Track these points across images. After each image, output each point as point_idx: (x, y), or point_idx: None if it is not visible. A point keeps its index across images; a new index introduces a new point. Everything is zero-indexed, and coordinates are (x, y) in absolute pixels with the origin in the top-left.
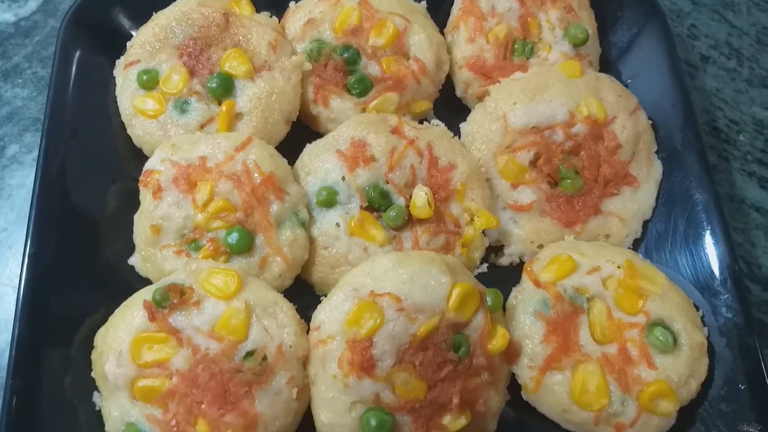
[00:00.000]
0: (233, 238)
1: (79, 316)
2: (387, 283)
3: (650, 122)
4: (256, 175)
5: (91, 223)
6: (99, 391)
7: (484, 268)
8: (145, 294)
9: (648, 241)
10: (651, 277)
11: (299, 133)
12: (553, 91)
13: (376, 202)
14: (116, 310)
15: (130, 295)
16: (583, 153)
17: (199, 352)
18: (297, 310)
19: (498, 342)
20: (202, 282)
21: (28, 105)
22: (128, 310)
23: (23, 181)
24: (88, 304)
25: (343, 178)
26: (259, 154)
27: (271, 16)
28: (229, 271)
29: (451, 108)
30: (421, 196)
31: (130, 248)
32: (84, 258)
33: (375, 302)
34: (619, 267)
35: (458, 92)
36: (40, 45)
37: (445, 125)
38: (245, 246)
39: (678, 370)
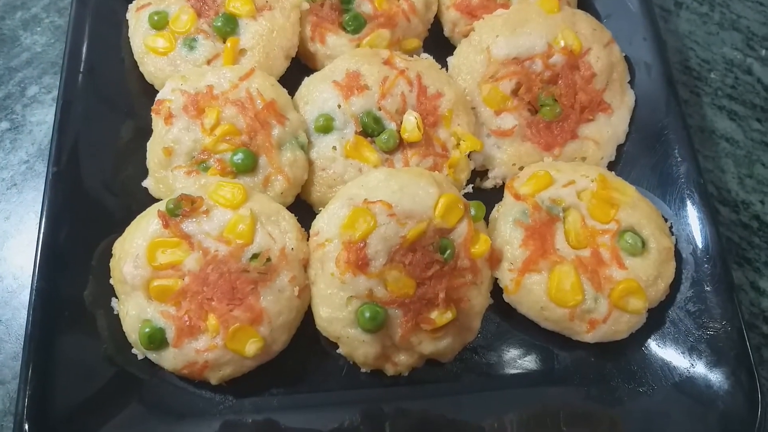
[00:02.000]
0: (239, 158)
1: (97, 235)
2: (379, 192)
3: (624, 54)
4: (259, 101)
5: (106, 153)
6: (117, 297)
7: (470, 189)
8: (159, 205)
9: (622, 164)
10: (622, 189)
11: (298, 71)
12: (533, 24)
13: (370, 127)
14: (133, 221)
15: (143, 208)
16: (560, 82)
17: (209, 254)
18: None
19: (480, 246)
20: (211, 194)
21: (46, 51)
22: (144, 219)
23: (43, 118)
24: (105, 222)
25: (339, 106)
26: (261, 83)
27: None
28: (235, 184)
29: (439, 46)
30: (410, 121)
31: (144, 173)
32: (101, 180)
33: (368, 209)
34: (592, 180)
35: (446, 32)
36: None
37: (435, 60)
38: (250, 165)
39: (646, 270)
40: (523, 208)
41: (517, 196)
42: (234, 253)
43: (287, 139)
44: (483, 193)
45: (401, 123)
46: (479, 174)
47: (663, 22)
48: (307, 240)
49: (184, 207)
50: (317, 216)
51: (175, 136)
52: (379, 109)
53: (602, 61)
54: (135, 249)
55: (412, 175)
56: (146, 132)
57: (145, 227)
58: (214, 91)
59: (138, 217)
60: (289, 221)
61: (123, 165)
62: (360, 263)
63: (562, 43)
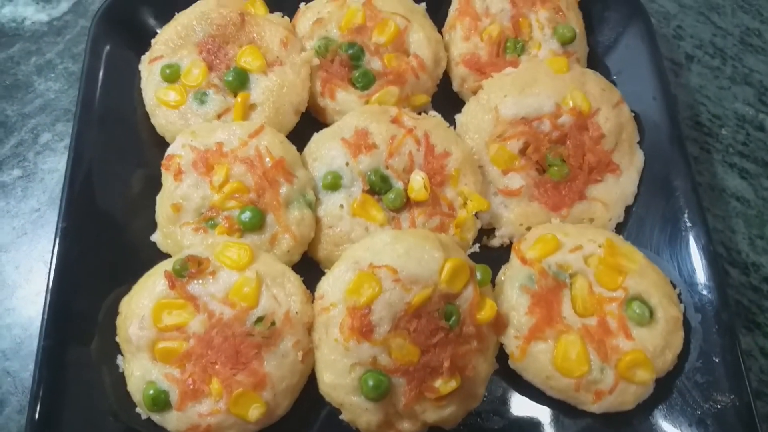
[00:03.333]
0: (246, 216)
1: (105, 288)
2: (385, 256)
3: (633, 114)
4: (268, 159)
5: (116, 204)
6: (122, 355)
7: (476, 248)
8: (165, 265)
9: (630, 226)
10: (630, 255)
11: (307, 124)
12: (541, 85)
13: (377, 186)
14: (139, 280)
15: (151, 264)
16: (568, 142)
17: (214, 317)
18: (303, 283)
19: (486, 312)
20: (217, 254)
21: (59, 97)
22: (150, 278)
23: (55, 166)
24: (114, 276)
25: (347, 164)
26: (270, 141)
27: (283, 16)
28: (242, 245)
29: (448, 101)
30: (418, 180)
31: (152, 227)
32: (110, 235)
33: (374, 273)
34: (600, 246)
35: (455, 87)
36: (71, 42)
37: (443, 117)
38: (257, 224)
39: (654, 341)
40: (530, 274)
41: (524, 261)
42: (239, 317)
43: (295, 197)
44: (490, 251)
45: (408, 182)
46: (486, 232)
47: (674, 76)
48: (312, 302)
49: (191, 268)
50: (323, 278)
51: (184, 192)
52: (387, 167)
53: (611, 122)
54: (141, 309)
55: (418, 238)
56: (156, 182)
57: (151, 287)
58: (224, 148)
59: (145, 275)
60: (294, 283)
61: (132, 218)
62: (364, 330)
63: (571, 104)
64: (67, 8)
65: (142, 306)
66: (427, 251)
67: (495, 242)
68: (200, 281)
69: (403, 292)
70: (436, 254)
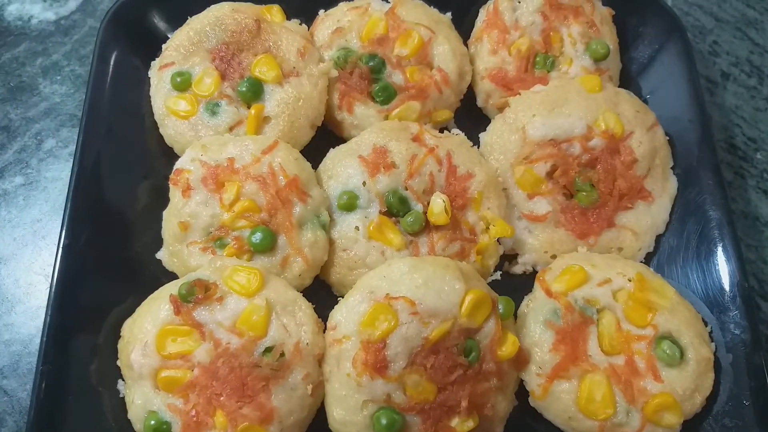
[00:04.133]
0: (257, 237)
1: (107, 307)
2: (402, 286)
3: (667, 138)
4: (281, 177)
5: (122, 218)
6: (123, 380)
7: (498, 275)
8: (171, 288)
9: (660, 255)
10: (661, 291)
11: (324, 138)
12: (572, 104)
13: (395, 208)
14: (143, 303)
15: (157, 288)
16: (599, 166)
17: (221, 346)
18: (315, 308)
19: (508, 348)
20: (225, 279)
21: (65, 101)
22: (155, 302)
23: (59, 174)
24: (117, 295)
25: (364, 183)
26: (284, 158)
27: (300, 24)
28: (251, 269)
29: (471, 117)
30: (438, 203)
31: (158, 243)
32: (114, 251)
33: (390, 305)
34: (629, 280)
35: (479, 102)
36: (79, 44)
37: (465, 134)
38: (268, 246)
39: (683, 383)
40: (555, 308)
41: (549, 293)
42: (246, 347)
43: (308, 218)
44: (512, 278)
45: (428, 204)
46: (508, 258)
47: (708, 95)
48: (324, 331)
49: (198, 293)
50: (336, 307)
51: (192, 210)
52: (406, 188)
53: (645, 146)
54: (144, 335)
55: (438, 268)
56: (164, 193)
57: (155, 312)
58: (235, 164)
59: (149, 298)
60: (305, 312)
61: (138, 233)
62: (378, 366)
63: (603, 126)
64: (75, 7)
65: (146, 331)
66: (448, 282)
67: (517, 269)
68: (207, 307)
69: (421, 326)
70: (456, 285)
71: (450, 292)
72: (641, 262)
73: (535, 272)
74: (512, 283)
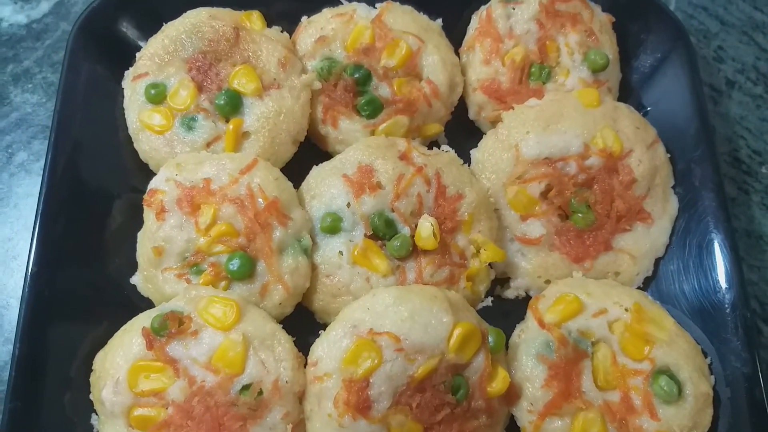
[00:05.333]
0: (234, 264)
1: (80, 334)
2: (387, 320)
3: (668, 156)
4: (260, 199)
5: (95, 238)
6: (97, 414)
7: (489, 301)
8: (143, 320)
9: (659, 280)
10: (659, 321)
11: (307, 151)
12: (569, 121)
13: (381, 231)
14: (115, 334)
15: (132, 313)
16: (596, 186)
17: (195, 383)
18: (297, 336)
19: (498, 385)
20: (201, 311)
21: (37, 111)
22: (127, 335)
23: (30, 189)
24: (90, 321)
25: (348, 205)
26: (263, 178)
27: (282, 32)
28: (228, 300)
29: (462, 129)
30: (426, 227)
31: (133, 265)
32: (87, 273)
33: (373, 341)
34: (626, 310)
35: (471, 114)
36: (51, 49)
37: (456, 148)
38: (246, 273)
39: (681, 421)
40: (548, 340)
41: (542, 324)
42: (222, 384)
43: (289, 243)
44: (503, 302)
45: (416, 227)
46: (500, 281)
47: (712, 104)
48: (305, 365)
49: (171, 327)
50: (317, 341)
51: (167, 234)
52: (393, 210)
53: (644, 165)
54: (116, 371)
55: (424, 299)
56: (140, 212)
57: (127, 346)
58: (212, 185)
59: (121, 330)
60: (284, 346)
61: (112, 254)
62: (361, 406)
63: (601, 144)
64: (47, 9)
65: (117, 366)
66: (435, 315)
67: (509, 294)
68: (181, 342)
69: (407, 363)
70: (444, 318)
71: (437, 325)
72: (639, 287)
73: (528, 297)
74: (504, 307)
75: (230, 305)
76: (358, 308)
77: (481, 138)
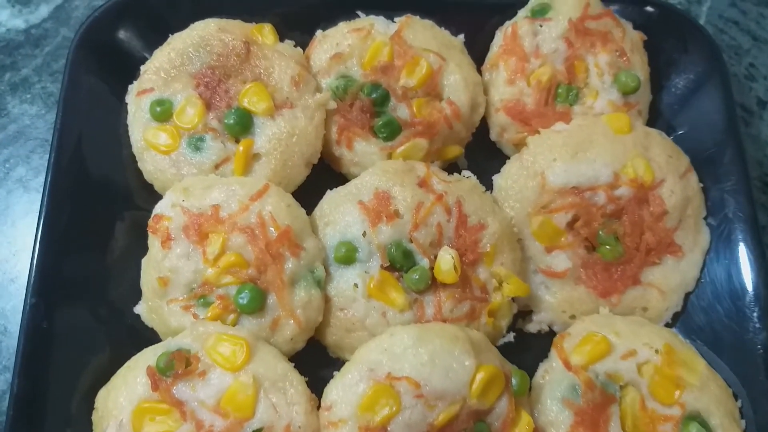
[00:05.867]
0: (244, 298)
1: (82, 364)
2: (405, 364)
3: (701, 185)
4: (272, 228)
5: (98, 263)
6: None
7: (511, 337)
8: (148, 357)
9: (688, 314)
10: (690, 364)
11: (320, 171)
12: (598, 148)
13: (398, 263)
14: (118, 371)
15: (136, 342)
16: (625, 218)
17: (203, 428)
18: (308, 368)
19: (521, 430)
20: (208, 349)
21: (36, 123)
22: (131, 373)
23: (30, 207)
24: (92, 351)
25: (364, 234)
26: (275, 205)
27: (295, 46)
28: (237, 338)
29: (482, 150)
30: (446, 260)
31: (137, 292)
32: (89, 302)
33: (392, 386)
34: (656, 351)
35: (493, 135)
36: (51, 56)
37: (476, 169)
38: (256, 307)
39: None
40: (574, 383)
41: (568, 365)
42: (232, 429)
43: (302, 275)
44: (525, 336)
45: (435, 258)
46: (521, 314)
47: (743, 125)
48: (318, 408)
49: (177, 367)
50: (331, 383)
51: (173, 264)
52: (411, 240)
53: (677, 196)
54: (119, 411)
55: (445, 340)
56: (144, 233)
57: (132, 385)
58: (221, 212)
59: (125, 367)
60: (297, 388)
61: (116, 280)
62: None
63: (632, 174)
64: (47, 14)
65: (121, 407)
66: (456, 358)
67: (532, 327)
68: (188, 383)
69: (426, 410)
70: (466, 362)
71: (459, 369)
72: (668, 323)
73: (551, 331)
74: (526, 341)
75: (239, 344)
76: (374, 349)
77: (502, 160)
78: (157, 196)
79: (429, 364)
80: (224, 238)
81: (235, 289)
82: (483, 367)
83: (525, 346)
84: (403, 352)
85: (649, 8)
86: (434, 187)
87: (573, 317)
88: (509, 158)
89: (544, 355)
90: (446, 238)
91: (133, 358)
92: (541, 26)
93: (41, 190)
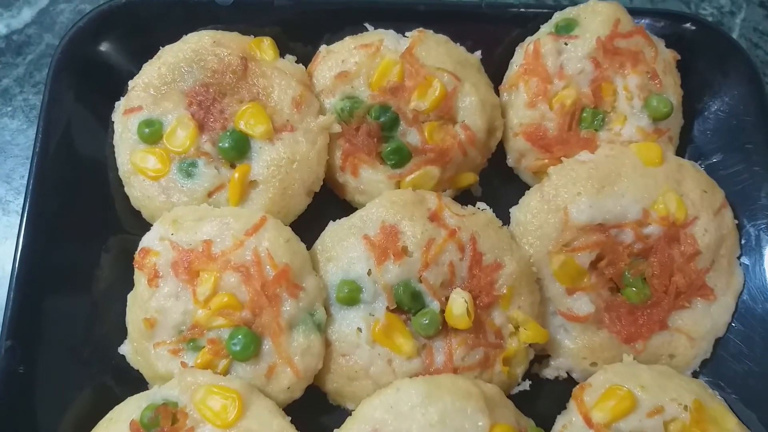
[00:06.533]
0: (237, 344)
1: (62, 408)
2: (413, 424)
3: (735, 221)
4: (269, 267)
5: (81, 296)
6: None
7: (526, 385)
8: (132, 409)
9: (716, 361)
10: (720, 421)
11: (323, 196)
12: (627, 182)
13: (406, 305)
14: (100, 422)
15: (121, 384)
16: (653, 258)
17: None
18: (307, 417)
19: None
20: (198, 403)
21: (16, 139)
22: (113, 426)
23: (9, 231)
24: (73, 394)
25: (369, 273)
26: (272, 241)
27: (297, 62)
28: (229, 391)
29: (497, 175)
30: (459, 303)
31: (123, 329)
32: (71, 341)
33: None
34: (685, 408)
35: (510, 161)
36: (34, 66)
37: (491, 196)
38: (250, 354)
39: None
40: None
41: (589, 422)
42: None
43: (301, 318)
44: (541, 382)
45: (446, 300)
46: (537, 357)
47: None
48: None
49: (163, 425)
50: None
51: (160, 304)
52: (420, 281)
53: (711, 235)
54: None
55: (457, 397)
56: (130, 259)
57: None
58: (213, 248)
59: (107, 419)
60: None
61: (100, 317)
62: None
63: (663, 211)
64: (30, 18)
65: None
66: (469, 417)
67: (549, 373)
68: None
69: None
70: (480, 421)
71: (472, 430)
72: (696, 370)
73: (569, 378)
74: (541, 387)
75: (231, 397)
76: (379, 406)
77: (519, 186)
78: (145, 224)
79: (439, 425)
80: (216, 277)
81: (227, 333)
82: (498, 427)
83: (540, 393)
84: (410, 410)
85: (683, 24)
86: (446, 221)
87: (594, 364)
88: (526, 185)
89: (561, 403)
90: (459, 279)
91: (116, 409)
92: (566, 44)
93: (20, 213)
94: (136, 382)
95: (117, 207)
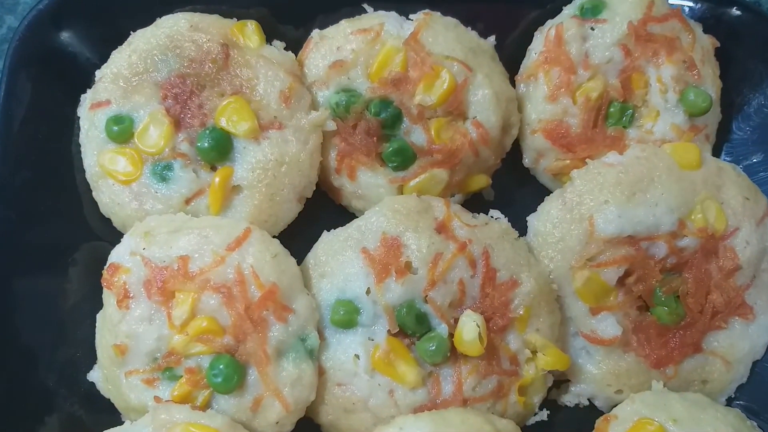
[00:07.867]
0: (218, 374)
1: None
2: None
3: None
4: (254, 287)
5: (46, 314)
6: None
7: (544, 415)
8: None
9: (753, 385)
10: None
11: (316, 199)
12: (660, 188)
13: (410, 328)
14: None
15: (91, 416)
16: (688, 274)
17: None
18: None
19: None
20: None
21: None
22: None
23: None
24: (40, 425)
25: (368, 291)
26: (258, 256)
27: (286, 49)
28: (209, 430)
29: (511, 174)
30: (470, 327)
31: (92, 353)
32: (35, 369)
33: None
34: None
35: (526, 161)
36: None
37: (503, 199)
38: (233, 386)
39: None
40: None
41: None
42: None
43: (290, 344)
44: (559, 409)
45: (455, 323)
46: (556, 382)
47: None
48: None
49: None
50: None
51: (131, 329)
52: (426, 301)
53: (752, 248)
54: None
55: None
56: (100, 270)
57: None
58: (190, 265)
59: None
60: None
61: (67, 339)
62: None
63: (700, 221)
64: None
65: None
66: None
67: (569, 400)
68: None
69: None
70: None
71: None
72: (730, 396)
73: (591, 405)
74: (560, 414)
75: None
76: None
77: (536, 188)
78: (116, 232)
79: None
80: (194, 298)
81: (207, 361)
82: None
83: (559, 421)
84: None
85: (724, 8)
86: (456, 232)
87: (620, 392)
88: (545, 188)
89: None
90: (470, 298)
91: None
92: (592, 29)
93: None
94: (109, 412)
95: (86, 213)
